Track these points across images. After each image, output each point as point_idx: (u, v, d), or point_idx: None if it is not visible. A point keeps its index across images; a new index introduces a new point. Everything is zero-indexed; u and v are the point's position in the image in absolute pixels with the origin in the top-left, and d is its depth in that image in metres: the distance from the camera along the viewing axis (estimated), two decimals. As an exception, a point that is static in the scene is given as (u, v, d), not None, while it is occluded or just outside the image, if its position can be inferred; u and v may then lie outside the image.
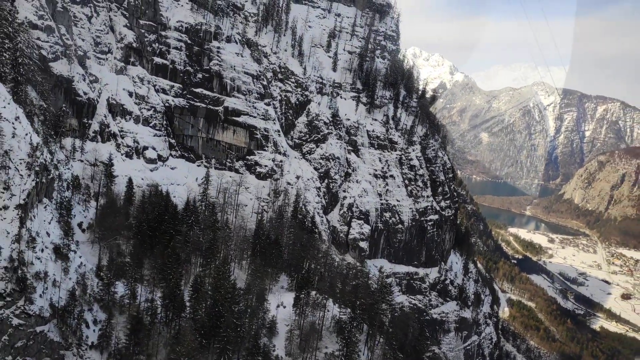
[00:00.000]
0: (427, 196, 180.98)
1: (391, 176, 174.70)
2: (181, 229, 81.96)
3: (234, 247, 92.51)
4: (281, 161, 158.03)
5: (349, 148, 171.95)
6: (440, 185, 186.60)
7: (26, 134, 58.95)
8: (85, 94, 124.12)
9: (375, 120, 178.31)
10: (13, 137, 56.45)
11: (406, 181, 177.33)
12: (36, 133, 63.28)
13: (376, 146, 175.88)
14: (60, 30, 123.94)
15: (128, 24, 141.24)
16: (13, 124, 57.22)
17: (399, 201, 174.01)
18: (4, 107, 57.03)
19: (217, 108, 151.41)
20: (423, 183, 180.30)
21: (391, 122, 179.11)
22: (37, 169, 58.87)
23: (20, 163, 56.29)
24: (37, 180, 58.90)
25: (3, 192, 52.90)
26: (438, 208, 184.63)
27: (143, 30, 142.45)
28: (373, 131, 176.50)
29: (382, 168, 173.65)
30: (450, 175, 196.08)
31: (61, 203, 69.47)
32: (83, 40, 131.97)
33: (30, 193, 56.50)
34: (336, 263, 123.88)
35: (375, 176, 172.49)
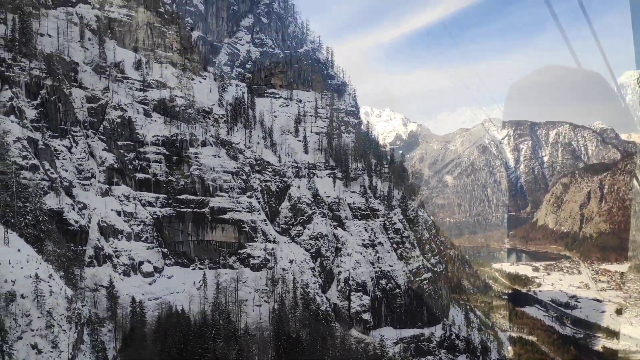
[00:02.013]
0: (417, 256, 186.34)
1: (379, 243, 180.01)
2: (208, 346, 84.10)
3: (256, 351, 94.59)
4: (272, 249, 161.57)
5: (335, 223, 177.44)
6: (427, 242, 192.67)
7: (60, 289, 62.19)
8: (76, 222, 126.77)
9: (354, 192, 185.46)
10: (51, 295, 59.64)
11: (394, 245, 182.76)
12: (65, 282, 66.47)
13: (359, 217, 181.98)
14: (45, 165, 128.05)
15: (107, 147, 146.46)
16: (48, 282, 60.56)
17: (391, 266, 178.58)
18: (38, 269, 60.50)
19: (203, 210, 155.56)
20: (410, 244, 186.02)
21: (369, 191, 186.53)
22: (75, 320, 61.79)
23: (62, 319, 59.25)
24: (77, 330, 61.71)
25: (52, 351, 55.56)
26: (429, 265, 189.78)
27: (122, 151, 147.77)
28: (354, 203, 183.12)
29: (370, 237, 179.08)
30: (434, 231, 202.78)
31: (94, 346, 71.45)
32: (66, 170, 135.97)
33: (74, 346, 59.21)
34: (354, 347, 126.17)
35: (365, 246, 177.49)
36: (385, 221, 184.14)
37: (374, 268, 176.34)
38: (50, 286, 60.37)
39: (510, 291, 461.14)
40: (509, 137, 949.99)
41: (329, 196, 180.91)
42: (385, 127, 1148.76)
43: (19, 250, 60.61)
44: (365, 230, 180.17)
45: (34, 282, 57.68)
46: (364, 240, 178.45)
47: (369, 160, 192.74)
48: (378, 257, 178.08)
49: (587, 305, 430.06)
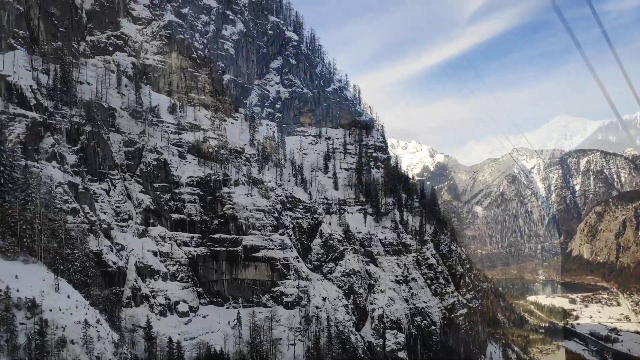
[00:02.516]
0: (452, 292, 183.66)
1: (413, 279, 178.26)
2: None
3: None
4: (305, 286, 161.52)
5: (367, 260, 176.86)
6: (461, 277, 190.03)
7: (107, 333, 63.66)
8: (114, 263, 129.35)
9: (385, 227, 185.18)
10: (99, 340, 61.12)
11: (428, 281, 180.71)
12: (110, 326, 67.97)
13: (391, 253, 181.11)
14: (85, 209, 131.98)
15: (143, 189, 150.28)
16: (96, 327, 62.14)
17: (426, 302, 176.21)
18: (86, 314, 62.23)
19: (236, 248, 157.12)
20: (444, 279, 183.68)
21: (400, 226, 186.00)
22: (122, 365, 62.96)
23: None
24: (124, 375, 62.79)
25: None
26: (465, 301, 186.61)
27: (158, 192, 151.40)
28: (385, 239, 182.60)
29: (403, 273, 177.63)
30: (468, 266, 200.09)
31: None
32: (105, 213, 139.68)
33: (121, 391, 60.22)
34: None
35: (398, 282, 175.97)
36: (418, 256, 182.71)
37: (408, 305, 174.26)
38: (98, 331, 61.92)
39: (547, 324, 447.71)
40: (539, 167, 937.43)
41: (360, 232, 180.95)
42: (412, 159, 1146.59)
43: (68, 297, 62.55)
44: (398, 266, 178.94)
45: (83, 327, 59.29)
46: (397, 277, 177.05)
47: (399, 195, 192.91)
48: (412, 293, 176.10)
49: (628, 338, 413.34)
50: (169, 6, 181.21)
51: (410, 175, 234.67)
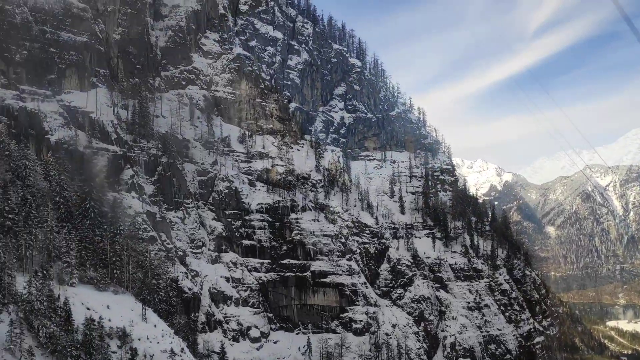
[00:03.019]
0: (527, 318, 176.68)
1: (486, 305, 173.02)
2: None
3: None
4: (374, 313, 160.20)
5: (437, 285, 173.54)
6: (537, 303, 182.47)
7: (190, 362, 65.85)
8: (190, 289, 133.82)
9: (455, 252, 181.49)
10: (182, 368, 63.33)
11: (502, 307, 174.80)
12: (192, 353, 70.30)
13: (462, 278, 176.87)
14: (162, 237, 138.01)
15: (216, 217, 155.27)
16: (181, 356, 64.56)
17: (500, 330, 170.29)
18: (172, 343, 64.83)
19: (304, 274, 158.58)
20: (519, 306, 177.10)
21: (471, 251, 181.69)
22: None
23: (193, 392, 62.49)
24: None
25: None
26: (541, 328, 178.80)
27: (230, 219, 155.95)
28: (455, 264, 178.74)
29: (475, 299, 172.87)
30: (543, 291, 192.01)
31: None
32: (180, 240, 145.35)
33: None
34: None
35: (470, 309, 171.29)
36: (491, 282, 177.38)
37: (482, 332, 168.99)
38: (181, 359, 64.29)
39: (630, 352, 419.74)
40: (615, 184, 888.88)
41: (429, 257, 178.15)
42: (478, 179, 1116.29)
43: (155, 326, 65.54)
44: (470, 292, 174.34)
45: (170, 356, 61.83)
46: (469, 303, 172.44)
47: (469, 218, 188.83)
48: (485, 320, 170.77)
49: None
50: (238, 40, 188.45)
51: (477, 195, 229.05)
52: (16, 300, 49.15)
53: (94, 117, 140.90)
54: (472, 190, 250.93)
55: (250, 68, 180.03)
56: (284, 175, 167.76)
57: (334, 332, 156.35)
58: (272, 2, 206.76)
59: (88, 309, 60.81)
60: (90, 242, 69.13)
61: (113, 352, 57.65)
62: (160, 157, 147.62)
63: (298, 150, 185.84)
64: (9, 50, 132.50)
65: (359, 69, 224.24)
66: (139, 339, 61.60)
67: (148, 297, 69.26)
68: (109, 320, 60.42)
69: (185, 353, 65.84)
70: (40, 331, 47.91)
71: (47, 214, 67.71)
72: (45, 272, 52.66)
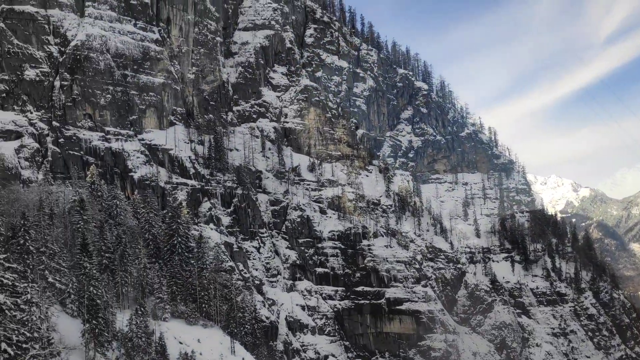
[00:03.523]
0: (618, 345, 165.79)
1: (572, 331, 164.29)
2: None
3: None
4: (453, 340, 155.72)
5: (518, 311, 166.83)
6: (627, 328, 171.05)
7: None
8: (267, 318, 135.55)
9: (536, 276, 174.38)
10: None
11: (589, 333, 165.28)
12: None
13: (545, 303, 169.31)
14: (239, 267, 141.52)
15: (289, 245, 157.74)
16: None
17: (588, 357, 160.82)
18: (259, 376, 65.75)
19: (379, 301, 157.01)
20: (608, 331, 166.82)
21: (552, 274, 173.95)
22: None
23: None
24: None
25: None
26: (634, 355, 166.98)
27: (302, 248, 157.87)
28: (537, 288, 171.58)
29: (560, 325, 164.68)
30: (634, 315, 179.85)
31: None
32: (256, 269, 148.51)
33: None
34: None
35: (555, 335, 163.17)
36: (576, 306, 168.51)
37: (569, 359, 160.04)
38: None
39: None
40: None
41: (508, 281, 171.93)
42: (553, 195, 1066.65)
43: (243, 359, 66.99)
44: (554, 317, 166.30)
45: (258, 390, 62.82)
46: (554, 329, 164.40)
47: (549, 239, 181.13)
48: (572, 347, 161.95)
49: None
50: (304, 72, 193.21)
51: (552, 213, 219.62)
52: (118, 337, 52.09)
53: (173, 154, 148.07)
54: (547, 208, 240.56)
55: (317, 98, 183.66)
56: (354, 202, 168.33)
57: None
58: (337, 33, 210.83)
59: (180, 342, 63.23)
60: (180, 277, 72.32)
61: (205, 386, 59.29)
62: (235, 189, 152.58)
63: (367, 175, 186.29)
64: (94, 95, 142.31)
65: (425, 92, 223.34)
66: (229, 373, 63.07)
67: (235, 330, 71.23)
68: (201, 354, 62.48)
69: (272, 386, 66.75)
70: (142, 367, 50.47)
71: (139, 251, 71.50)
72: (143, 309, 55.54)
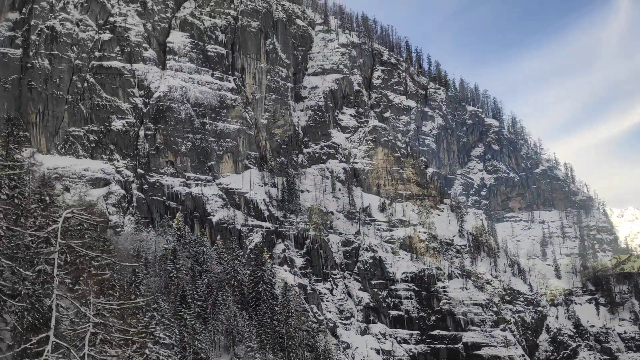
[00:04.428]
0: None
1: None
2: None
3: None
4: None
5: (605, 357, 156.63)
6: None
7: None
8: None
9: (623, 319, 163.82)
10: None
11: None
12: None
13: (634, 348, 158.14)
14: (313, 309, 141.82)
15: (362, 287, 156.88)
16: None
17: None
18: None
19: (456, 346, 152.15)
20: None
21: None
22: None
23: None
24: None
25: None
26: None
27: (375, 289, 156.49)
28: (625, 332, 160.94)
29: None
30: None
31: None
32: (330, 312, 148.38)
33: None
34: None
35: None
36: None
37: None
38: None
39: None
40: None
41: (593, 325, 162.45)
42: (632, 228, 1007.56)
43: (331, 410, 66.59)
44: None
45: None
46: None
47: (635, 280, 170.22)
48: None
49: None
50: (372, 112, 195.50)
51: (630, 247, 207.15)
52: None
53: (248, 197, 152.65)
54: (626, 242, 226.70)
55: (386, 138, 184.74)
56: (426, 242, 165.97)
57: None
58: (404, 73, 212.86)
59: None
60: (268, 326, 73.72)
61: None
62: (308, 231, 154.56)
63: (438, 215, 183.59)
64: (176, 143, 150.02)
65: (496, 129, 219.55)
66: None
67: (321, 380, 71.45)
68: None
69: None
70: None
71: (227, 299, 73.68)
72: (238, 358, 56.97)
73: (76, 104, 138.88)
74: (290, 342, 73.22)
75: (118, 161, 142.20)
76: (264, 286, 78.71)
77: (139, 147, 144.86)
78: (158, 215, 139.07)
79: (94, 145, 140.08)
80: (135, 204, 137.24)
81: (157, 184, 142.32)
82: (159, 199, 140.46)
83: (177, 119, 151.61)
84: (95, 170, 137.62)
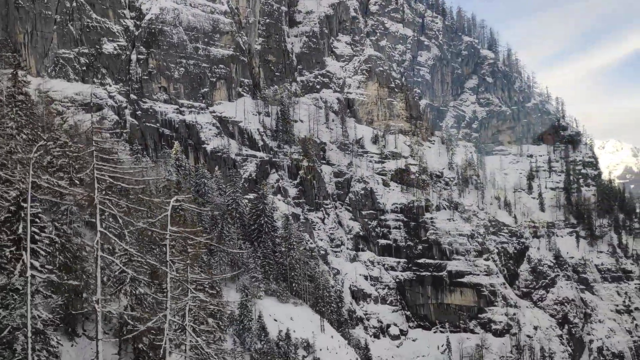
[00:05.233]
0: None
1: (636, 309, 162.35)
2: None
3: None
4: (514, 314, 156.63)
5: (581, 287, 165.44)
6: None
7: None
8: (332, 287, 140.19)
9: (601, 252, 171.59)
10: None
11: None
12: None
13: (610, 279, 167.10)
14: (305, 237, 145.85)
15: (352, 217, 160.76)
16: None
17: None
18: (347, 353, 69.47)
19: (441, 273, 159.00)
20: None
21: (618, 250, 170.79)
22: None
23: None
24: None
25: None
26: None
27: (366, 219, 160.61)
28: (602, 264, 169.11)
29: (624, 302, 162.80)
30: None
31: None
32: (321, 240, 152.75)
33: None
34: None
35: (619, 312, 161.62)
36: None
37: (632, 337, 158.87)
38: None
39: None
40: None
41: (572, 257, 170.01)
42: (612, 160, 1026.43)
43: (332, 337, 70.93)
44: (618, 294, 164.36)
45: (348, 367, 66.65)
46: (617, 306, 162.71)
47: (616, 215, 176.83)
48: (636, 324, 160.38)
49: None
50: (368, 41, 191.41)
51: (610, 179, 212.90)
52: (231, 321, 56.29)
53: (243, 126, 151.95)
54: (604, 174, 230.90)
55: (381, 68, 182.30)
56: (417, 174, 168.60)
57: (473, 332, 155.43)
58: (402, 0, 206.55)
59: (275, 320, 67.41)
60: (271, 257, 76.29)
61: (300, 362, 63.49)
62: (301, 161, 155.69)
63: (429, 147, 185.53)
64: (169, 68, 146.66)
65: (491, 61, 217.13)
66: (320, 349, 67.06)
67: (323, 310, 75.16)
68: (294, 331, 66.54)
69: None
70: (252, 347, 54.62)
71: (231, 230, 75.53)
72: (247, 290, 59.51)
73: (65, 25, 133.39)
74: (292, 273, 76.36)
75: (110, 86, 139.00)
76: (266, 219, 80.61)
77: (131, 71, 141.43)
78: (152, 143, 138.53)
79: (84, 68, 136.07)
80: (128, 130, 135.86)
81: (151, 110, 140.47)
82: (152, 125, 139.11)
83: (169, 43, 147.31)
84: (87, 94, 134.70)
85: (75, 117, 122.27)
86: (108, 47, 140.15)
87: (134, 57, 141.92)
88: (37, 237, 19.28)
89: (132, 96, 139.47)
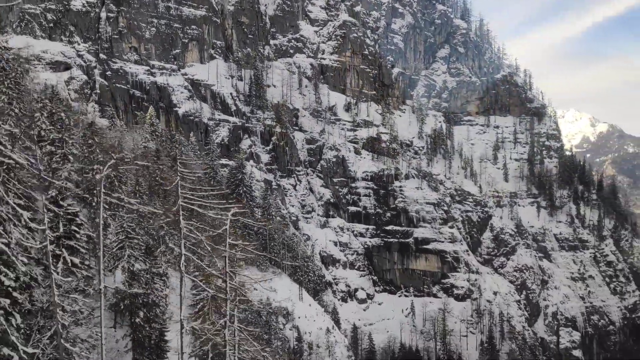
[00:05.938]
0: (633, 291, 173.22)
1: (590, 276, 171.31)
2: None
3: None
4: (476, 280, 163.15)
5: (540, 255, 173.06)
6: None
7: (341, 338, 72.97)
8: (303, 252, 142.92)
9: (560, 222, 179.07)
10: (336, 343, 70.62)
11: (607, 279, 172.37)
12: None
13: (567, 248, 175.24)
14: (277, 203, 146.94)
15: (324, 184, 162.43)
16: (332, 333, 71.73)
17: (604, 301, 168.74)
18: (324, 321, 71.86)
19: (407, 240, 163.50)
20: (625, 278, 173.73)
21: (576, 220, 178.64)
22: (353, 366, 71.99)
23: (346, 366, 69.74)
24: (354, 375, 71.77)
25: (343, 395, 65.96)
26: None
27: (337, 187, 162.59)
28: (560, 234, 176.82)
29: (579, 270, 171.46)
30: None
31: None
32: (293, 206, 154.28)
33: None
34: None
35: (574, 279, 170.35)
36: (596, 253, 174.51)
37: (585, 303, 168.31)
38: (334, 336, 71.73)
39: None
40: None
41: (532, 226, 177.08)
42: (570, 129, 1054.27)
43: (309, 305, 73.11)
44: (574, 262, 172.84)
45: (325, 333, 69.28)
46: (573, 273, 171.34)
47: (575, 186, 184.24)
48: (589, 291, 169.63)
49: None
50: (343, 6, 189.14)
51: (572, 152, 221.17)
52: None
53: (215, 90, 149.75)
54: (565, 145, 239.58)
55: (355, 34, 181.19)
56: (387, 143, 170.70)
57: (435, 296, 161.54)
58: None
59: (256, 289, 68.85)
60: (251, 227, 77.05)
61: (280, 330, 65.64)
62: (274, 127, 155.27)
63: (400, 116, 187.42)
64: (139, 27, 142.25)
65: (463, 31, 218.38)
66: (299, 317, 69.22)
67: (301, 279, 77.06)
68: (274, 300, 68.33)
69: (335, 330, 73.14)
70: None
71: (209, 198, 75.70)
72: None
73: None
74: (272, 243, 77.59)
75: (79, 44, 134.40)
76: (244, 188, 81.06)
77: (100, 30, 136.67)
78: (122, 104, 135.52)
79: (52, 25, 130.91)
80: (98, 90, 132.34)
81: (121, 71, 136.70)
82: (122, 87, 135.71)
83: (140, 1, 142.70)
84: (55, 52, 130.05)
85: (42, 75, 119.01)
86: (76, 3, 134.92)
87: (103, 14, 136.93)
88: (76, 235, 19.63)
89: (102, 56, 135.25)
